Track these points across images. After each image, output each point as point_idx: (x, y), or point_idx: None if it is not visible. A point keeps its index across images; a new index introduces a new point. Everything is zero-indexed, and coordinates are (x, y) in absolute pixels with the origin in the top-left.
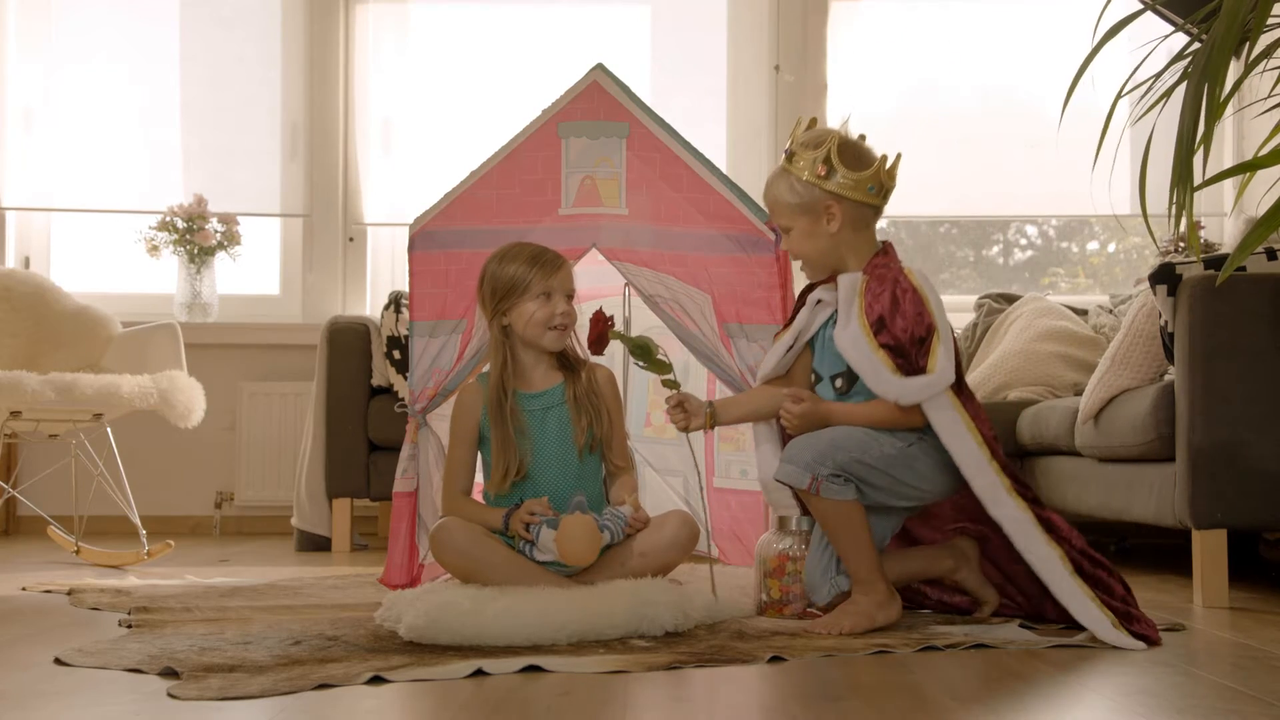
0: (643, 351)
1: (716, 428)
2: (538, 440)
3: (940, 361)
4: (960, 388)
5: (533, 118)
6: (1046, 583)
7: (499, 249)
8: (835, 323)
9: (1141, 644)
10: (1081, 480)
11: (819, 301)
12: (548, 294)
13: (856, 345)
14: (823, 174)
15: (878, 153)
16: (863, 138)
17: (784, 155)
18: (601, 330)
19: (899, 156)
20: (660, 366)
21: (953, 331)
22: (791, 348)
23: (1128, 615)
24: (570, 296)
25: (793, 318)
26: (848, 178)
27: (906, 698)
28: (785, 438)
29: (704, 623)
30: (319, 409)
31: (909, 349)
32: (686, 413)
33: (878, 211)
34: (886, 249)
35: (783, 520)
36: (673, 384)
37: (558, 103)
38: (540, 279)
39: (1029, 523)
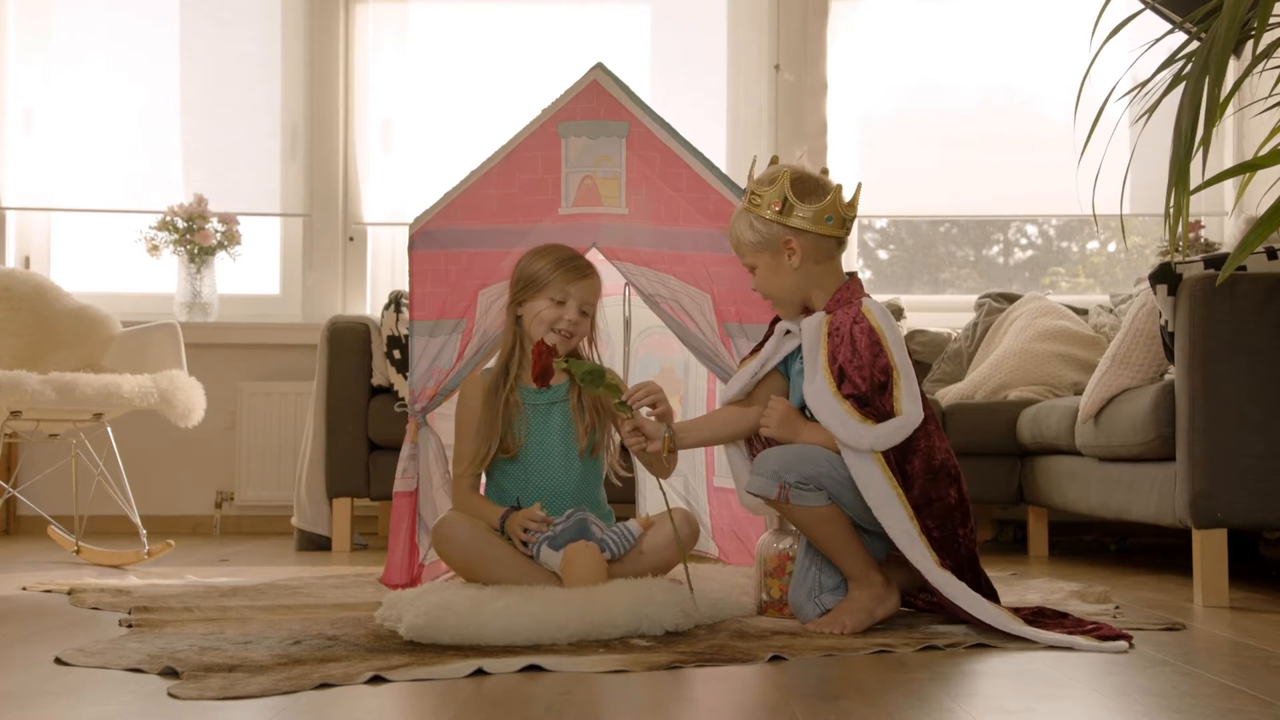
0: (591, 379)
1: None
2: (541, 435)
3: (905, 404)
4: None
5: (533, 117)
6: (950, 597)
7: (540, 245)
8: (803, 358)
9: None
10: (1081, 480)
11: (787, 332)
12: (562, 300)
13: (821, 398)
14: (778, 209)
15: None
16: (825, 171)
17: (745, 196)
18: (546, 363)
19: (859, 187)
20: (611, 391)
21: (912, 367)
22: (755, 374)
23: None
24: (587, 312)
25: (761, 344)
26: (804, 211)
27: (907, 697)
28: (753, 453)
29: (704, 622)
30: (319, 409)
31: (871, 397)
32: (644, 435)
33: (840, 243)
34: (851, 282)
35: (783, 520)
36: (624, 408)
37: (557, 102)
38: (560, 283)
39: (964, 589)
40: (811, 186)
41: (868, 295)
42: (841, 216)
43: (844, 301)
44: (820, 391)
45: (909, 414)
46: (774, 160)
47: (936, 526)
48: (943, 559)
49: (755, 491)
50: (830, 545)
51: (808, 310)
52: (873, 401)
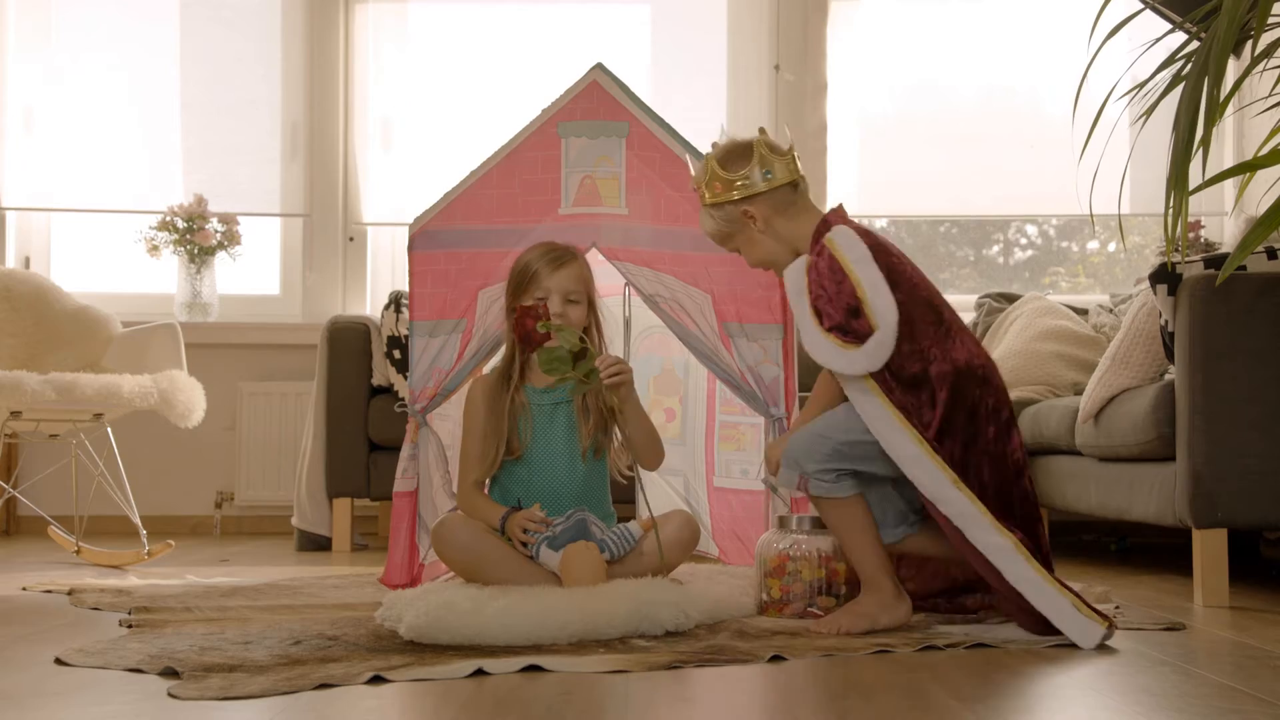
0: (554, 364)
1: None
2: (546, 436)
3: (880, 316)
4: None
5: (533, 117)
6: (1003, 572)
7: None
8: None
9: (1102, 631)
10: (1081, 480)
11: None
12: (545, 296)
13: (811, 340)
14: (719, 190)
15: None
16: (762, 130)
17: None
18: (529, 327)
19: (764, 132)
20: (577, 368)
21: (881, 278)
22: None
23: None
24: (575, 299)
25: None
26: (738, 179)
27: (907, 697)
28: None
29: (704, 622)
30: (319, 409)
31: (847, 323)
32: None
33: (795, 187)
34: (826, 216)
35: (783, 520)
36: (593, 376)
37: (557, 102)
38: (541, 278)
39: (977, 514)
40: (736, 154)
41: (838, 224)
42: (778, 163)
43: (818, 240)
44: (809, 333)
45: (886, 325)
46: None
47: (960, 446)
48: (969, 483)
49: (780, 484)
50: (848, 540)
51: None
52: (850, 327)
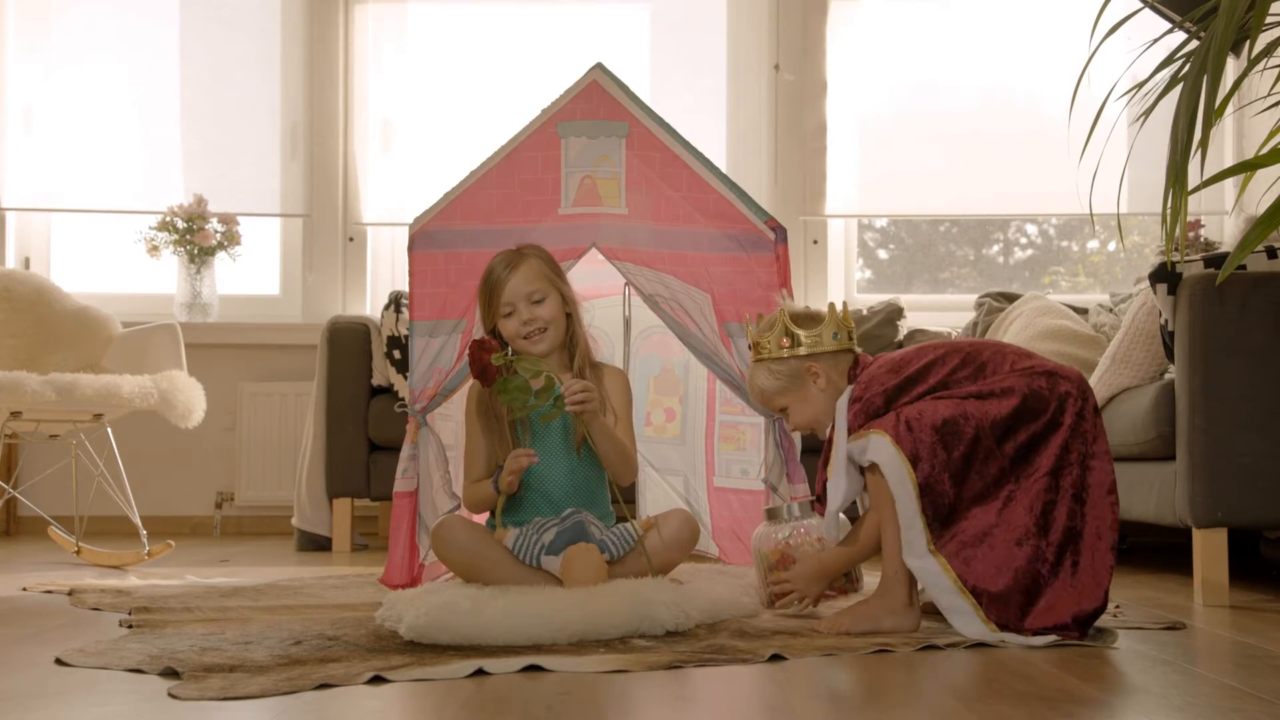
0: (513, 394)
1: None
2: (542, 436)
3: (830, 499)
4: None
5: (532, 117)
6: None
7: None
8: None
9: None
10: None
11: None
12: (509, 311)
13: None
14: (788, 344)
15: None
16: (807, 308)
17: (751, 352)
18: (484, 361)
19: (845, 305)
20: (537, 399)
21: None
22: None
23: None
24: (539, 299)
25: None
26: (810, 336)
27: (907, 697)
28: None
29: (704, 622)
30: (319, 409)
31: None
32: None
33: (851, 353)
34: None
35: (772, 512)
36: (559, 404)
37: (557, 102)
38: (504, 285)
39: (940, 574)
40: (807, 316)
41: (848, 390)
42: (846, 329)
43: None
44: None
45: (830, 506)
46: (759, 317)
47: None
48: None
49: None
50: (887, 532)
51: None
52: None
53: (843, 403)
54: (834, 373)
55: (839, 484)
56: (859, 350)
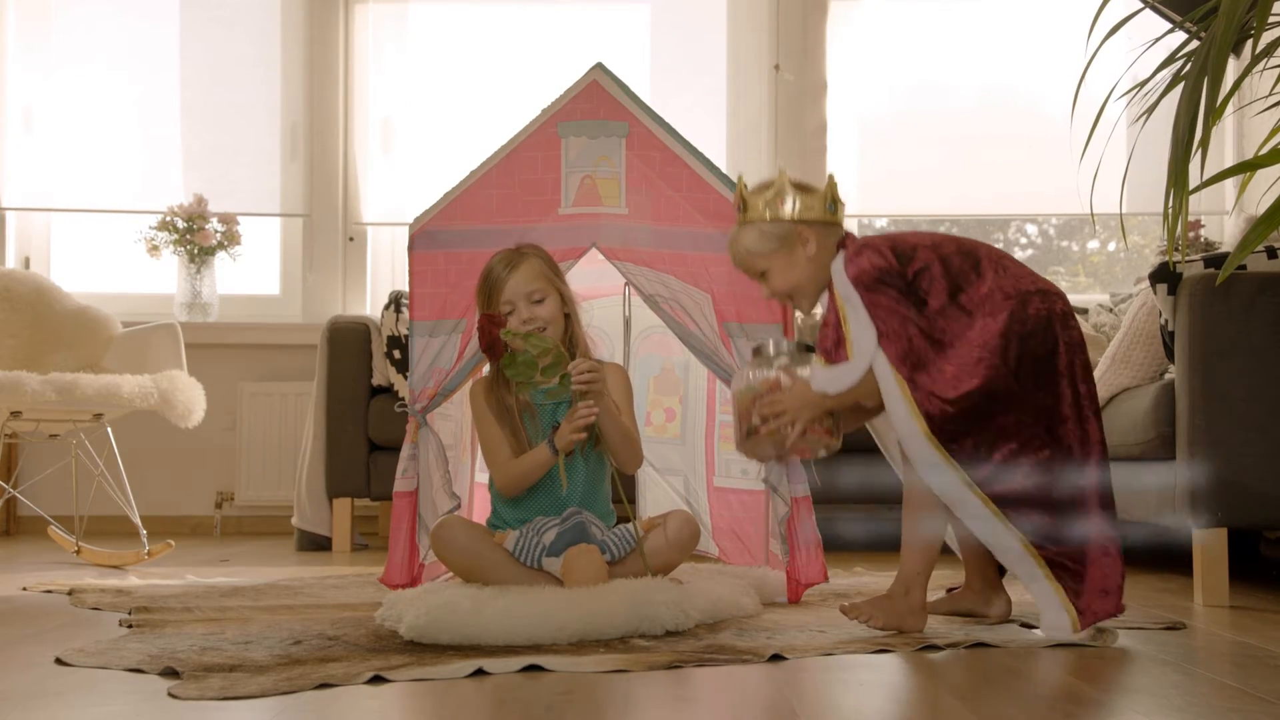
0: (520, 370)
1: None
2: (548, 430)
3: (854, 347)
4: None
5: (532, 117)
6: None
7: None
8: None
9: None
10: None
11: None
12: (510, 309)
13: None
14: (782, 206)
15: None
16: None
17: (737, 213)
18: (493, 336)
19: (833, 176)
20: (545, 374)
21: (878, 299)
22: None
23: (1083, 605)
24: (539, 298)
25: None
26: (810, 201)
27: (907, 697)
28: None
29: (704, 622)
30: (319, 409)
31: (832, 351)
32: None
33: (839, 227)
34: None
35: (760, 349)
36: (565, 382)
37: (557, 102)
38: (503, 284)
39: (978, 504)
40: (805, 184)
41: (840, 255)
42: (841, 209)
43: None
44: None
45: (856, 355)
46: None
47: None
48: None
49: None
50: (909, 527)
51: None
52: (833, 355)
53: (839, 265)
54: (824, 243)
55: (864, 348)
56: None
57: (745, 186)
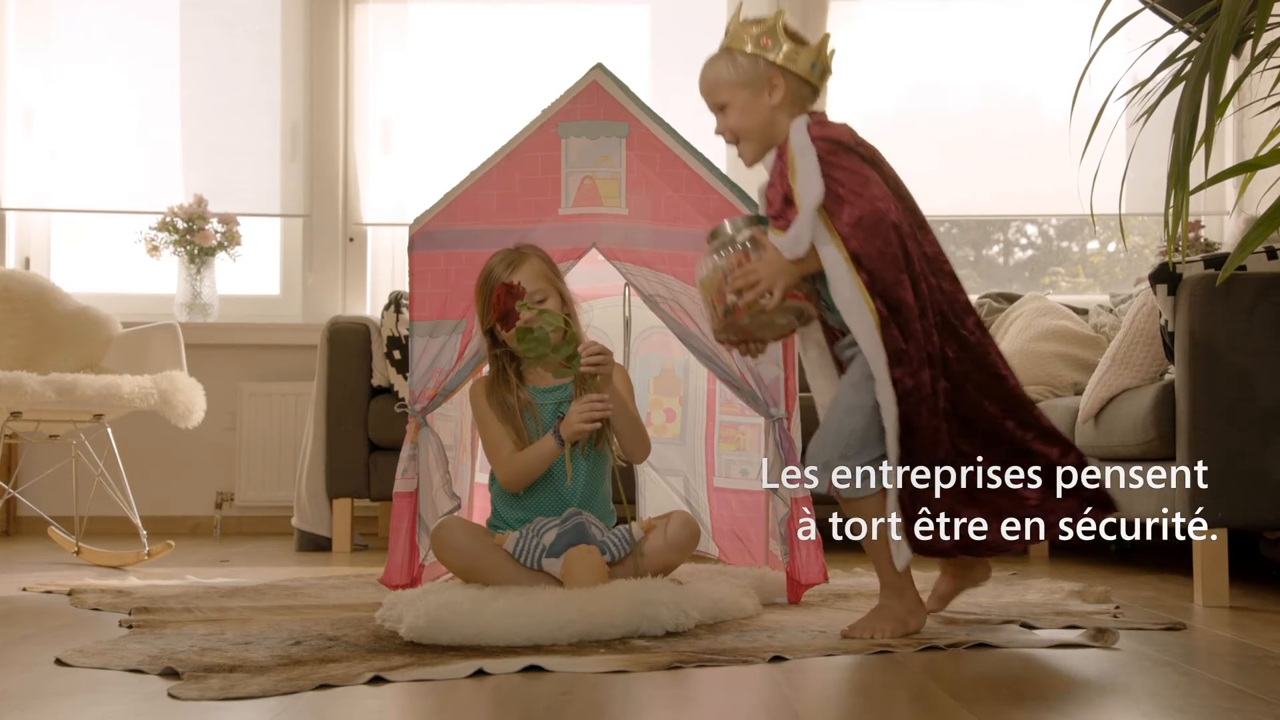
0: (533, 344)
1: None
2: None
3: (803, 198)
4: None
5: (533, 118)
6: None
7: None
8: None
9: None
10: None
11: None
12: None
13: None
14: (767, 45)
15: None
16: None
17: (726, 37)
18: (508, 306)
19: (832, 46)
20: (557, 352)
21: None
22: None
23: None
24: (536, 298)
25: None
26: (792, 49)
27: (907, 697)
28: (839, 367)
29: (704, 622)
30: (319, 409)
31: (784, 211)
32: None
33: (815, 94)
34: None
35: (717, 232)
36: (575, 362)
37: (557, 102)
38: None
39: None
40: (799, 32)
41: (804, 116)
42: (824, 67)
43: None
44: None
45: (803, 209)
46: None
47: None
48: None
49: (813, 490)
50: (877, 543)
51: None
52: (784, 212)
53: (801, 123)
54: (792, 97)
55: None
56: (820, 108)
57: (740, 16)
